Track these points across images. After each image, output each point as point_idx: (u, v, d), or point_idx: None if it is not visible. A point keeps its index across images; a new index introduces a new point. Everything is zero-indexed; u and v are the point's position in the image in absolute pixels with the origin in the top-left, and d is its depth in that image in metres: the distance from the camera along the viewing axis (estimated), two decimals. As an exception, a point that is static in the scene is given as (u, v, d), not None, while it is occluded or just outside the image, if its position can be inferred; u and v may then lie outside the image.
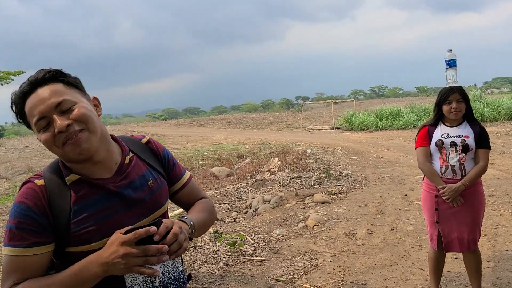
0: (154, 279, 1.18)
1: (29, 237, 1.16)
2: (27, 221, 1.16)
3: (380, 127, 19.17)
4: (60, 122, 1.16)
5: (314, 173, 9.53)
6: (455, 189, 2.89)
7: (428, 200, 3.09)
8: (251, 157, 12.91)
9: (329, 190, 7.79)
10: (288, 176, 9.41)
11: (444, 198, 2.93)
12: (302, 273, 4.03)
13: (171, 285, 1.24)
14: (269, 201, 7.66)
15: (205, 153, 15.11)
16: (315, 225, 5.54)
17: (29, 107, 1.19)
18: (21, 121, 1.24)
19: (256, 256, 4.51)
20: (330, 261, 4.27)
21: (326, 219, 5.83)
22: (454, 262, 3.93)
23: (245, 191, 9.12)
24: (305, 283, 3.81)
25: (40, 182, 1.21)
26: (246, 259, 4.44)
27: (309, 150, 13.66)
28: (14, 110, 1.23)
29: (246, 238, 5.09)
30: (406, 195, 6.79)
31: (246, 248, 4.73)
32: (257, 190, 8.98)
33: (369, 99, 64.23)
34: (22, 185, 1.23)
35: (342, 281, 3.79)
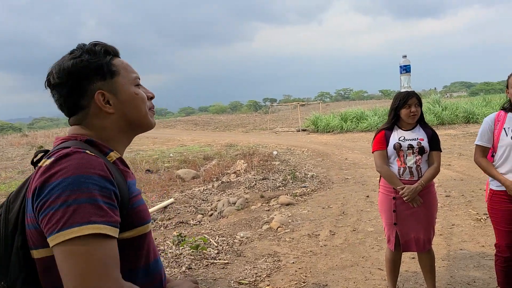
0: None
1: (113, 214, 0.95)
2: (111, 196, 0.96)
3: (345, 129, 19.55)
4: (150, 91, 1.24)
5: (280, 175, 9.60)
6: (413, 189, 2.98)
7: (385, 203, 3.17)
8: (218, 159, 12.87)
9: (294, 192, 7.86)
10: (254, 178, 9.44)
11: (404, 198, 3.02)
12: (265, 275, 4.05)
13: None
14: (235, 203, 7.65)
15: (171, 155, 14.93)
16: (279, 227, 5.58)
17: (127, 64, 1.19)
18: (102, 62, 1.12)
19: (220, 259, 4.49)
20: (293, 262, 4.31)
21: (290, 220, 5.89)
22: (411, 262, 4.05)
23: (210, 193, 9.07)
24: (268, 285, 3.83)
25: (90, 153, 1.01)
26: (209, 262, 4.41)
27: (275, 152, 13.75)
28: (98, 51, 1.13)
29: (210, 241, 5.07)
30: (368, 196, 6.95)
31: (210, 251, 4.70)
32: (222, 192, 8.95)
33: (335, 102, 65.39)
34: (63, 156, 0.97)
35: (304, 282, 3.83)
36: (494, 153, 2.90)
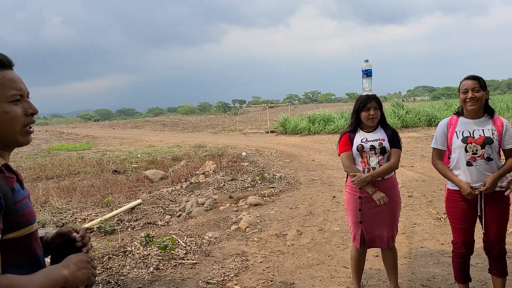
0: None
1: None
2: None
3: (313, 131, 19.86)
4: (35, 107, 1.26)
5: (249, 176, 9.65)
6: (362, 178, 3.11)
7: (351, 202, 3.29)
8: (186, 160, 12.79)
9: (262, 193, 7.93)
10: (223, 179, 9.45)
11: (354, 184, 3.17)
12: (233, 274, 4.08)
13: None
14: (203, 204, 7.63)
15: (139, 155, 14.71)
16: (247, 227, 5.62)
17: (9, 79, 1.20)
18: None
19: (188, 260, 4.49)
20: (261, 262, 4.37)
21: (258, 221, 5.95)
22: (375, 260, 4.18)
23: (179, 194, 9.01)
24: (235, 284, 3.86)
25: None
26: (177, 262, 4.40)
27: (244, 153, 13.80)
28: None
29: (178, 242, 5.05)
30: (334, 197, 7.11)
31: (178, 251, 4.69)
32: (191, 193, 8.91)
33: (303, 104, 66.19)
34: None
35: (271, 281, 3.89)
36: (449, 155, 3.05)
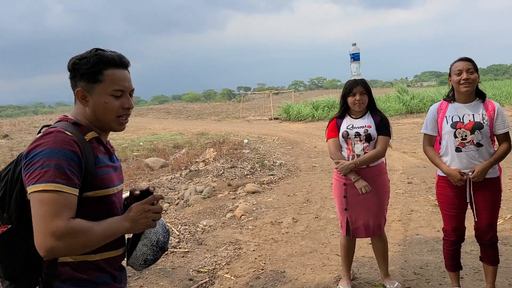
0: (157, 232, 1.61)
1: (74, 178, 1.34)
2: (74, 166, 1.35)
3: (316, 117, 19.70)
4: (132, 102, 1.56)
5: (249, 163, 9.59)
6: (346, 165, 3.03)
7: (337, 188, 3.21)
8: (188, 148, 12.75)
9: (261, 180, 7.88)
10: (222, 167, 9.39)
11: (337, 171, 3.12)
12: (224, 263, 4.05)
13: (164, 235, 1.64)
14: (201, 192, 7.60)
15: (141, 143, 14.70)
16: (243, 215, 5.58)
17: (116, 77, 1.50)
18: (90, 70, 1.46)
19: (180, 248, 4.46)
20: (253, 250, 4.32)
21: (254, 208, 5.90)
22: (369, 247, 4.10)
23: (178, 182, 8.99)
24: (226, 273, 3.83)
25: (69, 133, 1.40)
26: (169, 251, 4.37)
27: (246, 140, 13.73)
28: (91, 61, 1.46)
29: (172, 230, 5.02)
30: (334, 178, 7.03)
31: (171, 240, 4.66)
32: (190, 181, 8.88)
33: (309, 90, 65.73)
34: (49, 133, 1.38)
35: (262, 269, 3.85)
36: (440, 141, 2.95)
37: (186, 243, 4.61)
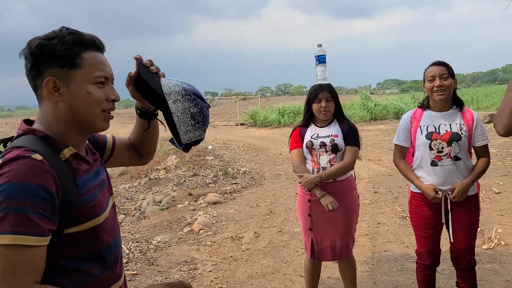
0: None
1: (42, 224, 1.00)
2: (44, 205, 1.00)
3: (282, 123, 19.58)
4: (118, 94, 1.22)
5: (212, 171, 9.20)
6: (310, 179, 2.68)
7: (301, 205, 2.87)
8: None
9: (224, 189, 7.51)
10: (184, 174, 8.96)
11: (301, 186, 2.77)
12: (177, 287, 3.63)
13: (186, 84, 1.37)
14: (160, 202, 7.15)
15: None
16: (201, 229, 5.17)
17: (98, 61, 1.18)
18: (66, 52, 1.12)
19: (128, 270, 4.00)
20: (210, 271, 3.92)
21: (214, 221, 5.50)
22: (335, 267, 3.79)
23: (136, 191, 8.50)
24: (178, 299, 3.41)
25: (38, 156, 1.04)
26: (116, 273, 3.91)
27: (210, 147, 13.31)
28: (66, 40, 1.13)
29: (122, 248, 4.55)
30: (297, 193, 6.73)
31: (119, 260, 4.19)
32: (149, 190, 8.41)
33: (276, 96, 65.91)
34: (10, 161, 1.02)
35: (219, 294, 3.46)
36: (413, 153, 2.66)
37: (136, 264, 4.16)
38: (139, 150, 1.56)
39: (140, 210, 7.14)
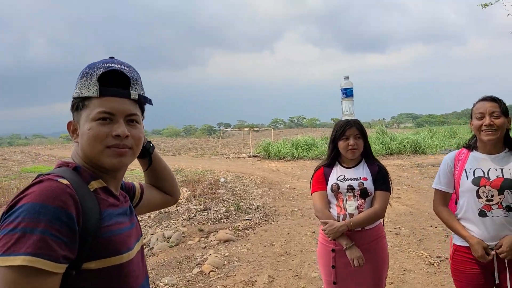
0: None
1: (58, 248, 0.95)
2: (62, 228, 0.97)
3: (296, 156, 19.28)
4: (124, 129, 1.17)
5: (224, 205, 8.91)
6: (336, 228, 2.38)
7: (324, 255, 2.55)
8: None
9: (236, 225, 7.19)
10: (195, 209, 8.69)
11: (325, 234, 2.46)
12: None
13: None
14: (170, 238, 6.86)
15: (128, 177, 13.82)
16: (212, 270, 4.84)
17: (103, 99, 1.16)
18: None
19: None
20: (220, 320, 3.59)
21: (225, 262, 5.17)
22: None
23: (145, 226, 8.21)
24: None
25: (64, 181, 1.05)
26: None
27: (222, 179, 13.06)
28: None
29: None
30: (314, 232, 6.38)
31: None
32: (158, 224, 8.12)
33: (289, 128, 65.95)
34: (37, 182, 1.04)
35: None
36: (457, 200, 2.35)
37: (140, 309, 3.84)
38: (162, 189, 1.58)
39: (149, 246, 6.86)
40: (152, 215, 8.88)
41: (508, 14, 10.01)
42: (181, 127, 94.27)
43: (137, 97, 1.21)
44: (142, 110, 1.28)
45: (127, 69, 1.21)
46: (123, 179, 1.35)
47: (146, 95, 1.27)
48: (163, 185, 1.58)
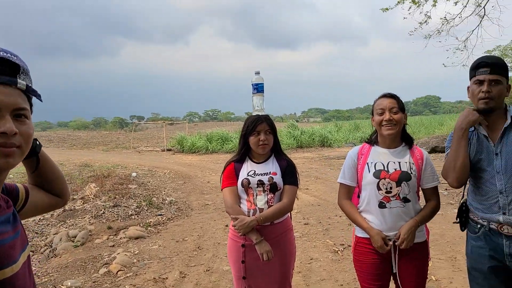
0: None
1: None
2: None
3: (210, 150, 19.30)
4: (11, 125, 1.04)
5: (135, 201, 8.59)
6: (246, 223, 2.40)
7: (233, 251, 2.57)
8: (67, 182, 11.20)
9: (147, 221, 6.98)
10: (103, 205, 8.26)
11: (235, 229, 2.47)
12: None
13: None
14: (75, 237, 6.45)
15: (11, 175, 12.62)
16: (120, 270, 4.65)
17: None
18: None
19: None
20: (128, 321, 3.48)
21: (135, 260, 5.00)
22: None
23: (48, 225, 7.63)
24: None
25: None
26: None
27: (134, 174, 12.58)
28: None
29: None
30: (227, 226, 6.44)
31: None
32: (63, 223, 7.59)
33: (204, 122, 65.62)
34: None
35: None
36: (359, 194, 2.46)
37: (39, 316, 3.58)
38: (50, 191, 1.44)
39: (51, 246, 6.39)
40: (55, 213, 8.29)
41: (404, 18, 10.89)
42: (90, 119, 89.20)
43: (25, 87, 1.08)
44: (31, 105, 1.15)
45: (15, 57, 1.08)
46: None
47: (40, 86, 1.14)
48: (51, 187, 1.44)
